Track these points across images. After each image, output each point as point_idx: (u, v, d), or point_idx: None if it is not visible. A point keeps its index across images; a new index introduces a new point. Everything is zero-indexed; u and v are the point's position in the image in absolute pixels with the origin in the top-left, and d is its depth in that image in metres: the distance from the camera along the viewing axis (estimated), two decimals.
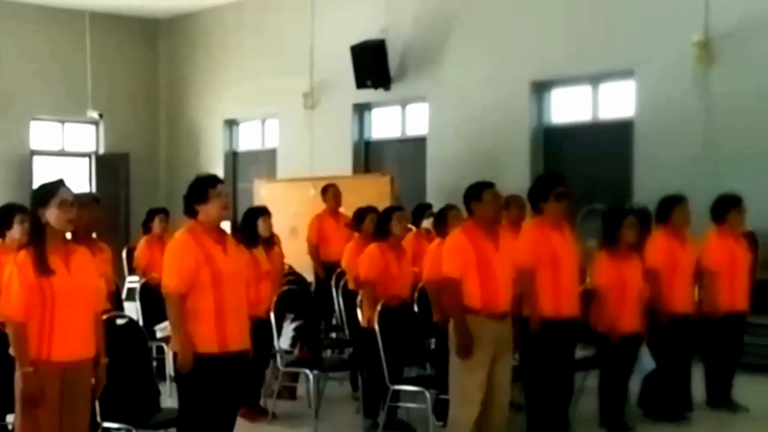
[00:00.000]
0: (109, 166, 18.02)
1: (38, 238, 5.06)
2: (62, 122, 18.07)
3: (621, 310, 7.71)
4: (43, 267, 4.97)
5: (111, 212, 17.54)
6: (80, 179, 18.02)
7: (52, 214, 5.05)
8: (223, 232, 5.91)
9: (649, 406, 8.34)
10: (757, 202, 9.53)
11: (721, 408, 8.61)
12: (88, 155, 18.32)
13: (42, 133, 17.86)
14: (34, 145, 17.61)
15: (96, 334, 5.23)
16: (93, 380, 5.27)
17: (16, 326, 4.98)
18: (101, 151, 18.35)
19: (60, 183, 5.22)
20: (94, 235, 7.43)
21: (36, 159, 17.60)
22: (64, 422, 5.06)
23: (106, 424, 5.91)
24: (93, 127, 18.33)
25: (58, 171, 17.75)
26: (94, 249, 6.41)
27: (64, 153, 18.26)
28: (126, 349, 6.16)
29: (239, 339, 5.80)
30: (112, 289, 6.98)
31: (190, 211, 5.86)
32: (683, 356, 8.31)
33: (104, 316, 6.00)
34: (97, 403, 5.71)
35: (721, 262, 8.52)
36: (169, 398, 7.65)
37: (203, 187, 5.84)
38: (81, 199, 6.51)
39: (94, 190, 17.81)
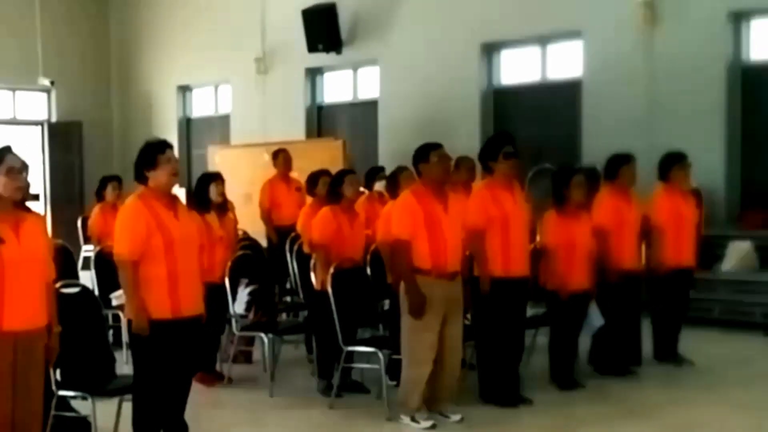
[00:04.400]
0: (62, 135, 17.81)
1: None
2: (13, 90, 17.84)
3: (570, 268, 7.76)
4: None
5: (64, 181, 17.44)
6: (32, 148, 17.79)
7: (0, 182, 4.95)
8: (174, 197, 5.86)
9: (598, 362, 8.42)
10: (702, 160, 9.64)
11: (668, 362, 8.70)
12: (40, 123, 18.09)
13: None
14: None
15: (48, 302, 5.15)
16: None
17: None
18: (53, 119, 18.14)
19: (7, 150, 5.12)
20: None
21: None
22: (18, 391, 4.98)
23: (62, 392, 5.86)
24: (44, 95, 18.12)
25: (10, 140, 17.48)
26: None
27: (16, 121, 18.04)
28: (80, 318, 6.10)
29: (192, 304, 5.78)
30: (53, 257, 6.86)
31: (140, 178, 5.81)
32: (631, 312, 8.39)
33: (57, 285, 5.98)
34: (52, 372, 5.67)
35: (667, 218, 8.57)
36: (126, 365, 7.60)
37: (152, 153, 5.79)
38: None
39: (47, 158, 17.63)
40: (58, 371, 5.76)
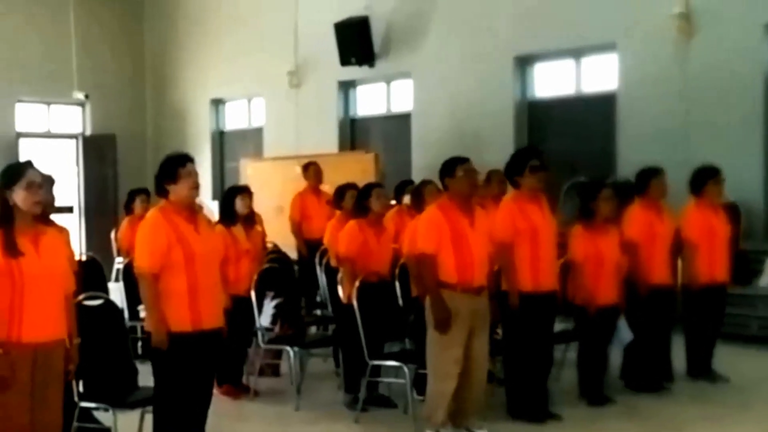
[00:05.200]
0: (96, 148, 17.95)
1: (6, 220, 5.02)
2: (48, 104, 18.02)
3: (597, 283, 7.74)
4: (11, 249, 4.93)
5: (99, 194, 17.62)
6: (67, 161, 18.00)
7: (19, 196, 5.00)
8: (194, 211, 5.91)
9: (629, 378, 8.37)
10: (739, 173, 9.56)
11: (702, 378, 8.62)
12: (75, 137, 18.23)
13: (28, 115, 17.81)
14: (19, 127, 17.56)
15: (67, 315, 5.21)
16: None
17: None
18: (88, 132, 18.30)
19: (28, 164, 5.17)
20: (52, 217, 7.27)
21: (22, 141, 17.55)
22: (36, 404, 5.03)
23: (84, 404, 5.92)
24: (79, 109, 18.30)
25: (45, 153, 17.79)
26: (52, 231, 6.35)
27: (51, 135, 18.23)
28: (103, 330, 6.17)
29: (213, 317, 5.81)
30: (75, 270, 6.94)
31: (161, 191, 5.87)
32: (662, 327, 8.33)
33: (80, 297, 6.05)
34: (74, 384, 5.73)
35: (699, 233, 8.52)
36: (151, 377, 7.64)
37: (173, 166, 5.85)
38: None
39: (81, 171, 17.80)
40: (80, 383, 5.82)
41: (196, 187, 5.87)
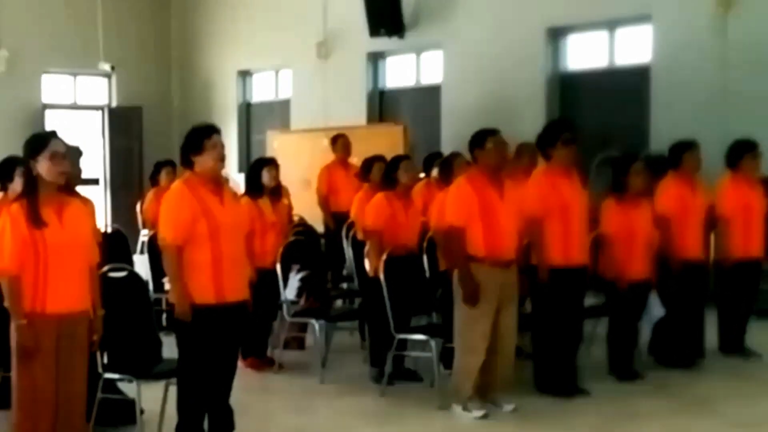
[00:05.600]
0: (122, 120, 17.97)
1: (31, 190, 5.06)
2: (74, 75, 18.03)
3: (629, 257, 7.70)
4: (35, 219, 4.97)
5: (124, 166, 17.67)
6: (93, 132, 18.04)
7: (43, 167, 5.03)
8: (220, 183, 5.91)
9: (660, 353, 8.35)
10: None
11: (734, 354, 8.59)
12: (101, 108, 18.24)
13: (54, 87, 17.85)
14: (45, 98, 17.61)
15: (91, 286, 5.25)
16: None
17: (10, 279, 4.98)
18: (114, 104, 18.32)
19: (52, 134, 5.20)
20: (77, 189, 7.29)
21: (48, 112, 17.60)
22: (61, 374, 5.09)
23: (108, 375, 5.96)
24: (105, 80, 18.31)
25: (71, 125, 17.86)
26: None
27: (77, 106, 18.26)
28: (127, 302, 6.21)
29: (237, 290, 5.81)
30: (99, 242, 6.98)
31: (187, 163, 5.87)
32: (694, 303, 8.28)
33: (104, 269, 6.08)
34: (98, 355, 5.78)
35: (735, 208, 8.48)
36: (176, 349, 7.69)
37: (198, 137, 5.83)
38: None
39: (107, 143, 17.86)
40: (105, 354, 5.86)
41: (221, 158, 5.85)
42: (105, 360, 5.92)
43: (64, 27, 17.31)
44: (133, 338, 6.18)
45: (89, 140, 17.88)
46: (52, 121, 17.48)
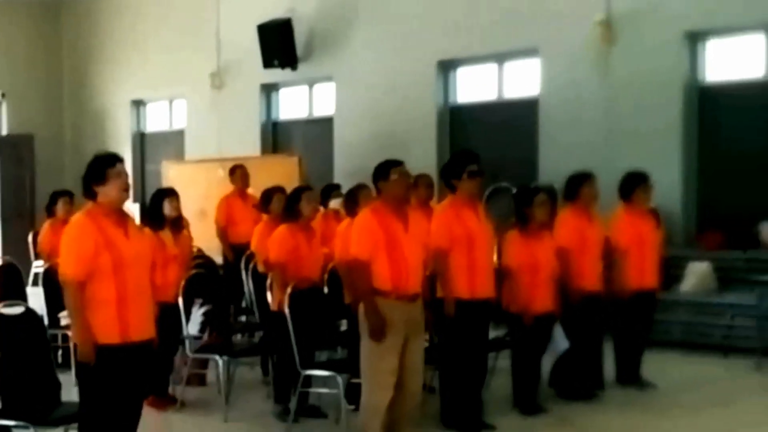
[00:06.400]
0: (13, 148, 17.18)
1: None
2: None
3: (534, 290, 7.47)
4: None
5: (15, 195, 16.87)
6: None
7: None
8: (124, 214, 5.44)
9: (560, 386, 8.11)
10: (659, 180, 9.32)
11: (631, 385, 8.41)
12: None
13: None
14: None
15: None
16: None
17: None
18: (4, 132, 17.52)
19: None
20: None
21: None
22: None
23: (2, 422, 5.41)
24: None
25: None
26: None
27: None
28: (23, 341, 5.67)
29: (143, 328, 5.34)
30: None
31: (89, 193, 5.38)
32: (594, 335, 8.08)
33: None
34: None
35: (629, 240, 8.32)
36: (75, 389, 7.15)
37: (101, 166, 5.35)
38: None
39: None
40: None
41: (126, 188, 5.39)
42: None
43: None
44: (30, 380, 5.62)
45: None
46: None
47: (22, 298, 9.20)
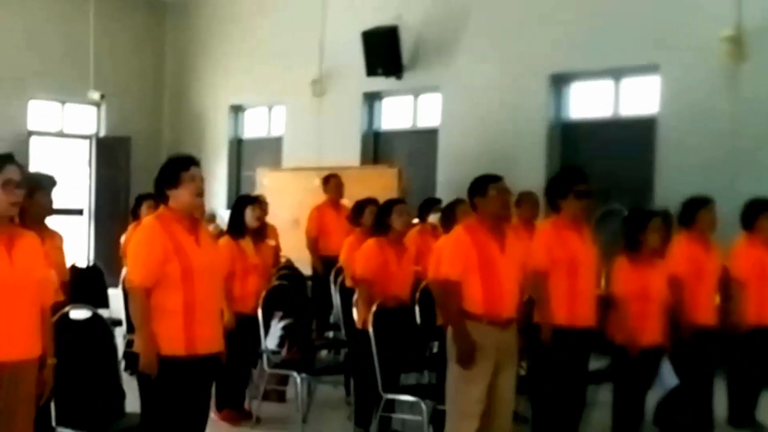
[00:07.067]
0: (110, 150, 17.34)
1: None
2: (62, 102, 17.37)
3: (642, 321, 7.04)
4: None
5: (110, 197, 17.05)
6: (79, 162, 17.46)
7: None
8: (196, 220, 5.28)
9: (666, 425, 7.70)
10: None
11: (744, 428, 7.98)
12: (89, 138, 17.63)
13: (41, 114, 17.17)
14: (32, 125, 16.90)
15: (43, 331, 4.57)
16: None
17: None
18: (102, 133, 17.70)
19: (6, 159, 4.54)
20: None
21: (34, 140, 16.89)
22: (2, 430, 4.39)
23: (61, 430, 5.27)
24: (94, 109, 17.66)
25: (57, 153, 17.26)
26: (44, 236, 5.72)
27: (64, 134, 17.59)
28: (87, 346, 5.54)
29: (210, 341, 5.16)
30: (65, 279, 6.34)
31: (161, 197, 5.24)
32: (706, 371, 7.65)
33: (65, 310, 5.45)
34: (52, 405, 5.10)
35: (750, 271, 7.88)
36: None
37: (174, 169, 5.21)
38: (36, 181, 5.93)
39: (93, 173, 17.27)
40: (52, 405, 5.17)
41: (200, 193, 5.22)
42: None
43: (54, 52, 16.64)
44: (92, 388, 5.49)
45: (75, 170, 17.38)
46: (37, 149, 16.84)
47: (104, 301, 9.24)
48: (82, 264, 9.94)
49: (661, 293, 7.17)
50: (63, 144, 17.68)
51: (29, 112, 16.85)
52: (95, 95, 16.65)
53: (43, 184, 6.18)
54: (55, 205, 6.53)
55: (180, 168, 5.20)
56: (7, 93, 16.14)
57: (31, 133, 16.85)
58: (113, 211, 16.69)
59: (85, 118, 17.75)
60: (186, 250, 5.08)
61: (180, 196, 5.15)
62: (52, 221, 6.57)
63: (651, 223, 7.14)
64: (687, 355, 7.38)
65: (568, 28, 12.50)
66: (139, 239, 5.20)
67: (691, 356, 7.42)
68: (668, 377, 7.21)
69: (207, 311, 5.13)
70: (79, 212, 17.22)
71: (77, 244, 16.77)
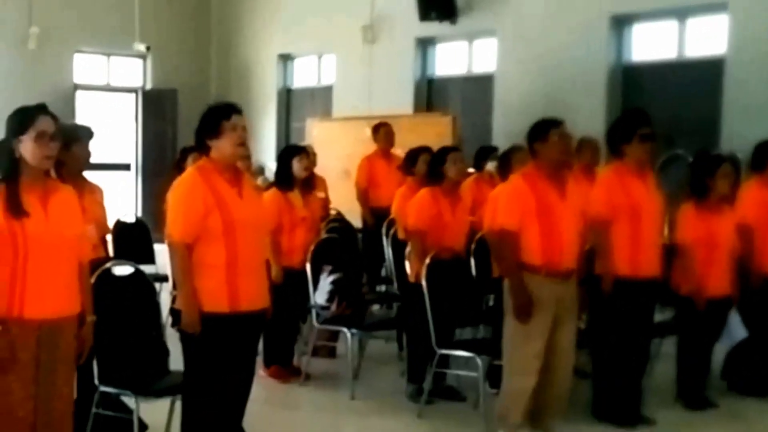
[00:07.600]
0: (156, 102, 17.37)
1: (11, 174, 4.31)
2: (107, 55, 17.41)
3: (709, 270, 6.94)
4: (14, 207, 4.23)
5: (157, 151, 17.10)
6: (126, 115, 17.53)
7: (26, 148, 4.29)
8: (239, 172, 5.19)
9: (734, 378, 7.60)
10: None
11: None
12: (135, 90, 17.68)
13: (86, 67, 17.22)
14: (77, 78, 16.96)
15: (81, 288, 4.51)
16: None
17: None
18: (148, 86, 17.72)
19: (39, 110, 4.44)
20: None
21: (79, 93, 16.99)
22: (42, 390, 4.35)
23: (104, 388, 5.26)
24: (140, 61, 17.68)
25: (103, 106, 17.33)
26: (83, 190, 5.66)
27: (109, 88, 17.64)
28: (129, 303, 5.52)
29: (254, 297, 5.08)
30: (106, 235, 6.31)
31: (202, 147, 5.16)
32: None
33: (107, 265, 5.42)
34: (95, 364, 5.12)
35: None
36: None
37: (216, 118, 5.13)
38: (73, 133, 5.87)
39: (140, 127, 17.33)
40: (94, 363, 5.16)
41: (242, 143, 5.12)
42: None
43: (98, 4, 16.65)
44: (135, 346, 5.47)
45: (122, 123, 17.46)
46: (83, 103, 16.92)
47: (150, 257, 9.24)
48: (128, 219, 9.90)
49: (730, 241, 7.05)
50: (109, 98, 17.74)
51: (75, 65, 16.91)
52: (141, 47, 16.63)
53: (81, 135, 6.09)
54: (102, 160, 6.49)
55: (221, 117, 5.12)
56: (52, 46, 16.17)
57: (77, 87, 16.94)
58: (160, 165, 16.71)
59: (131, 71, 17.78)
60: (227, 202, 4.99)
61: (221, 147, 5.06)
62: (93, 175, 6.52)
63: (720, 168, 6.99)
64: (757, 306, 7.28)
65: None
66: (179, 193, 5.11)
67: (761, 307, 7.30)
68: (736, 329, 7.12)
69: (251, 266, 5.04)
70: (126, 167, 17.32)
71: (125, 200, 16.87)
